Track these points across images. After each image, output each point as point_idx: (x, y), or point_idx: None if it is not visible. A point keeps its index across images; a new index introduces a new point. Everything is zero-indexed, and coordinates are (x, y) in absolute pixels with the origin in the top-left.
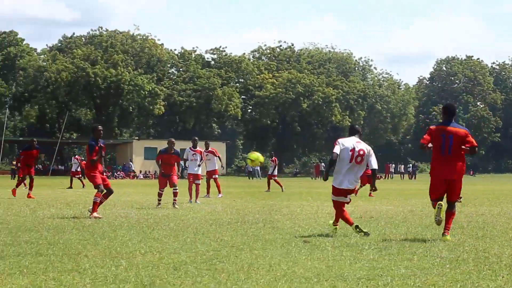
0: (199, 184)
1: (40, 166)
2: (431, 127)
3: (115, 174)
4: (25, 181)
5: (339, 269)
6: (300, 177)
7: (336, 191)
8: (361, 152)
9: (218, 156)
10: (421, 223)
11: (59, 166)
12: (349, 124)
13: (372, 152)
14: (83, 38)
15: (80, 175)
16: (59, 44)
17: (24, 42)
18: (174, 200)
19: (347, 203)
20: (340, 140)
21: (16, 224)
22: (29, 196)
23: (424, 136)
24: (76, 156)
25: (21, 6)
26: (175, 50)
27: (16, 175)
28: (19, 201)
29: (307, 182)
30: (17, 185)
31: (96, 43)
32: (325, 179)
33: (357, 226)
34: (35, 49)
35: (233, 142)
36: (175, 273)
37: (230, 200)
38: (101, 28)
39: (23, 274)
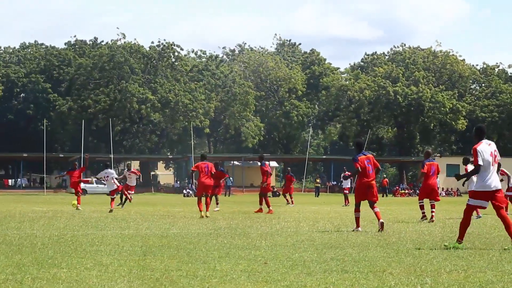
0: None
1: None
2: None
3: None
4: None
5: None
6: None
7: None
8: None
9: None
10: None
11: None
12: None
13: None
14: (385, 55)
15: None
16: (362, 63)
17: (327, 61)
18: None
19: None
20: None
21: (322, 241)
22: None
23: None
24: (347, 172)
25: (325, 27)
26: (476, 65)
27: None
28: (324, 218)
29: None
30: None
31: (398, 60)
32: None
33: None
34: (338, 68)
35: None
36: None
37: None
38: (404, 45)
39: None
